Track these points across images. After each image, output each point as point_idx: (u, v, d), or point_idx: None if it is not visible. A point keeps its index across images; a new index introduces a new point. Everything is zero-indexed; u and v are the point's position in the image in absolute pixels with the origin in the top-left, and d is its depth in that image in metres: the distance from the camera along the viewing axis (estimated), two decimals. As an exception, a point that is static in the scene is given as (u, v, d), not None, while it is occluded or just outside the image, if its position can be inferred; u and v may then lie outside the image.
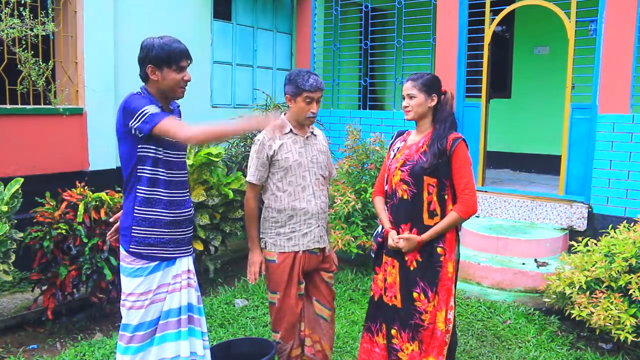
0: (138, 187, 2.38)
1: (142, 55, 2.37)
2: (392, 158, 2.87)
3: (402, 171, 2.75)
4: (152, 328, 2.44)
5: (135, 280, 2.40)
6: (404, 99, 2.80)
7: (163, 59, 2.35)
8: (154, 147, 2.36)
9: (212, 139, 2.29)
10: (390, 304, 2.78)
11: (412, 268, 2.72)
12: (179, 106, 2.63)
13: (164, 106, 2.43)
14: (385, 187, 2.90)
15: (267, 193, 2.85)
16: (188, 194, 2.56)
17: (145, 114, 2.26)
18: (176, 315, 2.45)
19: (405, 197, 2.74)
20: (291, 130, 2.83)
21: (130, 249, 2.40)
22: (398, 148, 2.89)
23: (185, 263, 2.52)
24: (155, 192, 2.40)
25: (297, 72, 2.80)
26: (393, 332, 2.76)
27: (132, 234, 2.40)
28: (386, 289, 2.81)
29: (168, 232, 2.43)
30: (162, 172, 2.40)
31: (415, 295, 2.69)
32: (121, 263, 2.46)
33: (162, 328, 2.44)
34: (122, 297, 2.44)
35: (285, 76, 2.84)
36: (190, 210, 2.56)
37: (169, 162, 2.42)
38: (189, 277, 2.52)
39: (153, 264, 2.42)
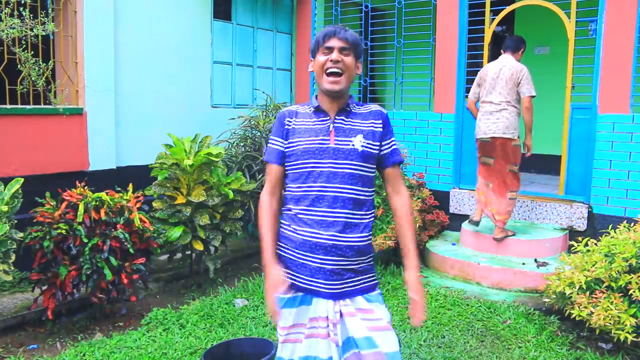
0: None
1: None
2: None
3: None
4: None
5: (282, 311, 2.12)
6: None
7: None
8: (287, 161, 2.13)
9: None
10: None
11: None
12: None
13: (333, 110, 2.11)
14: None
15: None
16: (336, 214, 2.04)
17: (267, 144, 2.19)
18: None
19: None
20: None
21: None
22: None
23: (324, 308, 2.05)
24: (286, 208, 2.13)
25: None
26: None
27: (276, 249, 2.16)
28: None
29: (299, 254, 2.07)
30: (292, 187, 2.11)
31: None
32: None
33: None
34: None
35: None
36: (335, 236, 2.02)
37: (307, 175, 2.05)
38: (328, 326, 2.05)
39: (287, 295, 2.08)
